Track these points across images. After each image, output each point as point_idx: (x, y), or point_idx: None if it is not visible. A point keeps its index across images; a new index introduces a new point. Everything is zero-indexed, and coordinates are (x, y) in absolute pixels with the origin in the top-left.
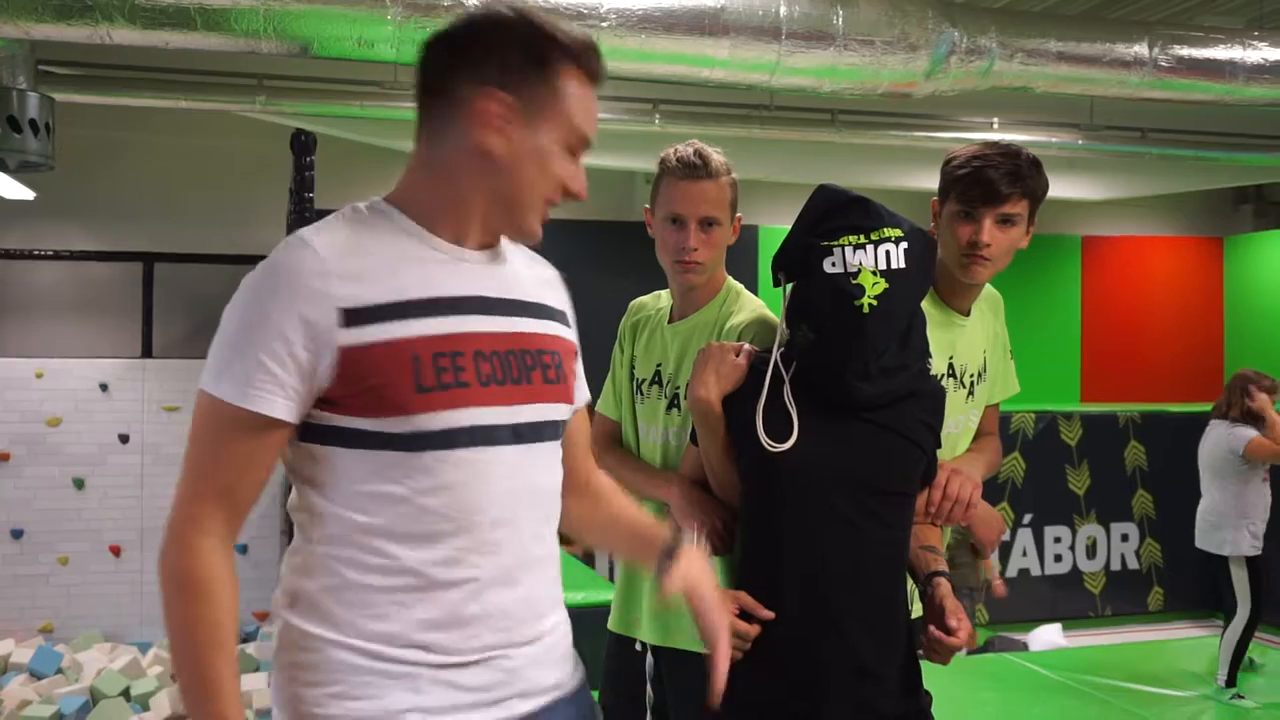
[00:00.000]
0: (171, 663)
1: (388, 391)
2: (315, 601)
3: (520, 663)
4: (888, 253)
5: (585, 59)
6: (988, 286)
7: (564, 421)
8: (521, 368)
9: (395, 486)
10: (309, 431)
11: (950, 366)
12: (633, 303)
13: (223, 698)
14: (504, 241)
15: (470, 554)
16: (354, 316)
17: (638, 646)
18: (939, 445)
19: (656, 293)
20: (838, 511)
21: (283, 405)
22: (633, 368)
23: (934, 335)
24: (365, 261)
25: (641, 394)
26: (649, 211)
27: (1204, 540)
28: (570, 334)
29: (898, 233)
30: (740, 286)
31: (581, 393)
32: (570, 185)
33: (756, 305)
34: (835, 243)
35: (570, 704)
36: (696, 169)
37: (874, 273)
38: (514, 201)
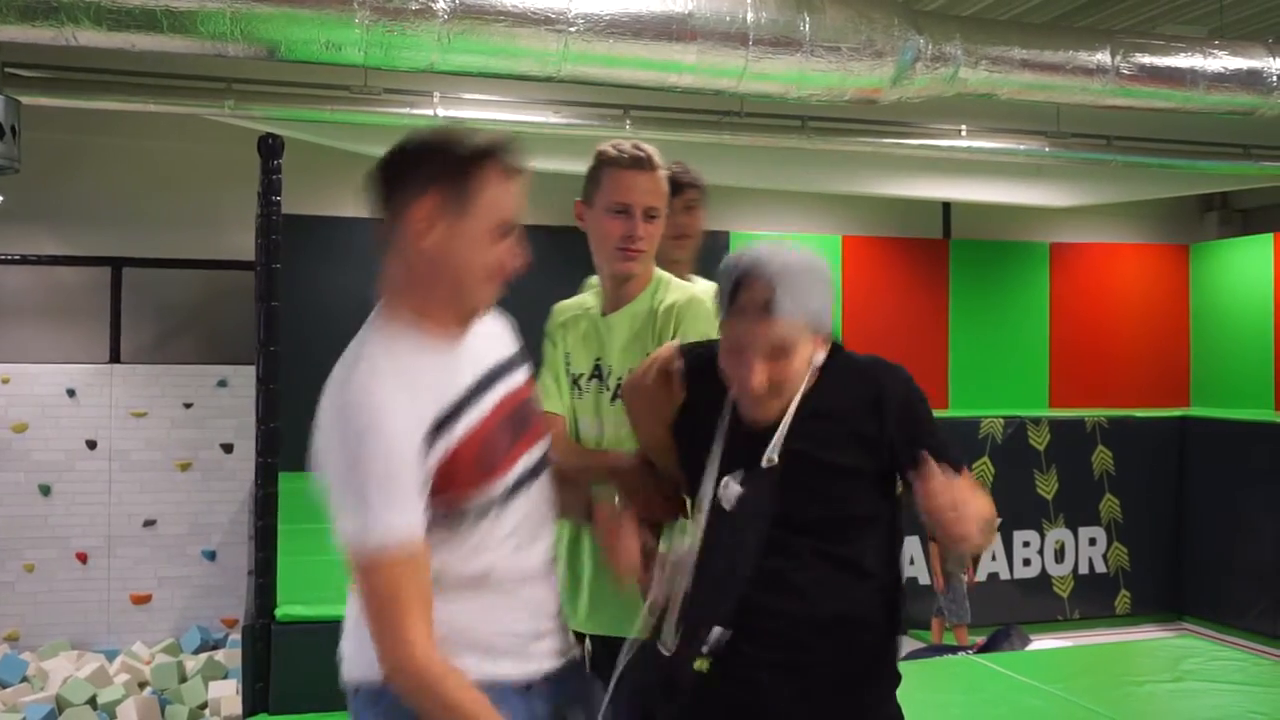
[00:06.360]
0: None
1: (467, 478)
2: (456, 643)
3: (560, 630)
4: None
5: (501, 155)
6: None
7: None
8: (526, 417)
9: (481, 540)
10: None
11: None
12: (555, 307)
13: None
14: None
15: (538, 559)
16: (435, 428)
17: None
18: (895, 430)
19: (578, 296)
20: (787, 543)
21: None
22: (567, 365)
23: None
24: (417, 378)
25: (579, 389)
26: (581, 204)
27: None
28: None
29: None
30: (668, 275)
31: None
32: (507, 264)
33: (685, 286)
34: None
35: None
36: (641, 161)
37: None
38: (459, 287)
